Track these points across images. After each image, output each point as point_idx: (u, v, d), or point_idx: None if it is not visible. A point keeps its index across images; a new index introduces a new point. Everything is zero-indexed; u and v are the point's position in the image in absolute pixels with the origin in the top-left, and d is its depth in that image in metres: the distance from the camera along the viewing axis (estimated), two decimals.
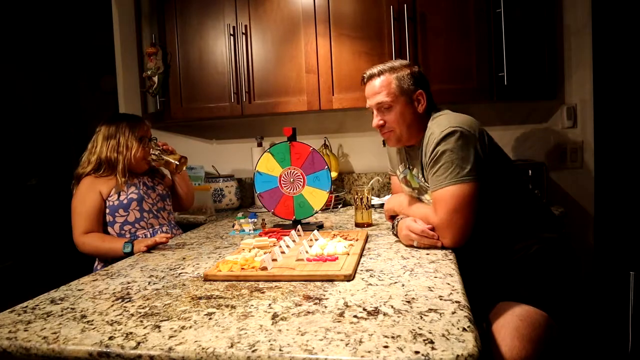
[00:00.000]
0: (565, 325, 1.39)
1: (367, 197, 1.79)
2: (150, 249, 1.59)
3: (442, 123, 1.42)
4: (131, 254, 1.60)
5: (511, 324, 1.28)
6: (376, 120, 1.54)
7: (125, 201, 1.78)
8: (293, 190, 1.79)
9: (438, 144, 1.38)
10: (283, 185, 1.80)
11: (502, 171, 1.47)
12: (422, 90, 1.51)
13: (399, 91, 1.49)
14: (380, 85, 1.50)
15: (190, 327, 0.88)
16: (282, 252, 1.33)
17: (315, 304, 0.98)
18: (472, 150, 1.36)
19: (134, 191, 1.81)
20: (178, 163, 1.89)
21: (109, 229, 1.79)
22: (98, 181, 1.79)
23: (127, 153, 1.80)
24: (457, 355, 0.71)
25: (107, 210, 1.79)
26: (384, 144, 2.43)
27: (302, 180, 1.78)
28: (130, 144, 1.81)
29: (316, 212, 1.80)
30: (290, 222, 1.84)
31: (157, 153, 1.87)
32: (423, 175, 1.52)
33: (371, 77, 1.53)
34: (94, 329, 0.90)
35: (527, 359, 1.22)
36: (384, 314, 0.89)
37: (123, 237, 1.76)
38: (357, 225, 1.83)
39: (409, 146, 1.61)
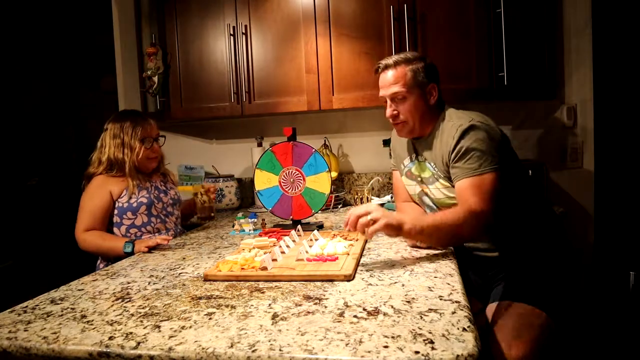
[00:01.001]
0: (565, 324, 1.39)
1: (367, 197, 1.79)
2: (150, 249, 1.59)
3: (461, 117, 1.46)
4: (132, 253, 1.60)
5: (510, 324, 1.28)
6: (389, 111, 1.55)
7: (134, 204, 1.77)
8: (297, 188, 1.79)
9: (464, 135, 1.39)
10: (286, 188, 1.80)
11: (510, 169, 1.47)
12: (434, 83, 1.53)
13: (413, 83, 1.50)
14: (396, 76, 1.51)
15: (190, 327, 0.88)
16: (282, 252, 1.33)
17: (315, 304, 0.98)
18: (496, 141, 1.39)
19: (144, 195, 1.80)
20: (199, 213, 1.97)
21: (115, 230, 1.79)
22: (110, 180, 1.78)
23: (131, 155, 1.79)
24: (457, 355, 0.71)
25: (116, 211, 1.78)
26: (385, 144, 2.44)
27: (300, 175, 1.78)
28: (134, 145, 1.79)
29: (328, 195, 1.79)
30: (291, 222, 1.84)
31: (204, 199, 1.94)
32: (435, 165, 1.52)
33: (387, 67, 1.54)
34: (94, 329, 0.90)
35: (526, 358, 1.22)
36: (384, 314, 0.89)
37: (126, 238, 1.76)
38: None
39: (416, 138, 1.61)
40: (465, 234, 1.33)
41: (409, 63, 1.52)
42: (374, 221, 1.22)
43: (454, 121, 1.45)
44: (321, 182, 1.77)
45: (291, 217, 1.81)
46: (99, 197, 1.75)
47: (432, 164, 1.53)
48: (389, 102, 1.55)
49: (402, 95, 1.51)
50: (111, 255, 1.69)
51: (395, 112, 1.54)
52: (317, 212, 1.81)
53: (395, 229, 1.24)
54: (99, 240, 1.71)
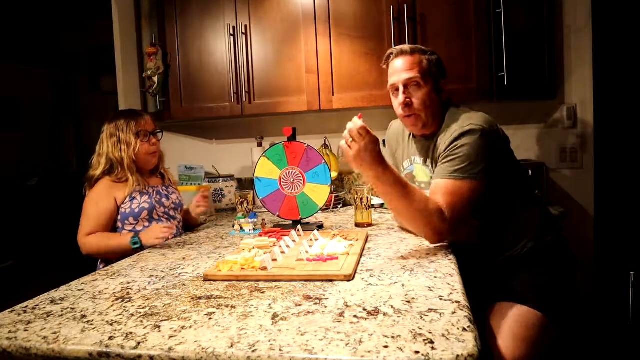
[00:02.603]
0: (564, 325, 1.39)
1: (367, 197, 1.79)
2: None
3: (464, 119, 1.41)
4: (141, 248, 1.61)
5: (506, 325, 1.29)
6: (402, 97, 1.44)
7: (137, 210, 1.76)
8: (294, 190, 1.79)
9: (459, 137, 1.36)
10: (284, 186, 1.80)
11: (507, 171, 1.47)
12: (445, 80, 1.51)
13: (428, 72, 1.45)
14: (412, 62, 1.45)
15: (190, 327, 0.88)
16: (282, 252, 1.33)
17: (315, 304, 0.98)
18: (488, 150, 1.35)
19: (146, 200, 1.79)
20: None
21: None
22: (115, 186, 1.77)
23: (128, 150, 1.78)
24: (457, 355, 0.71)
25: (118, 217, 1.77)
26: (384, 144, 2.44)
27: (301, 179, 1.78)
28: (129, 140, 1.78)
29: (320, 208, 1.79)
30: (291, 222, 1.84)
31: (250, 207, 1.96)
32: (433, 167, 1.51)
33: (402, 53, 1.47)
34: (94, 329, 0.90)
35: (522, 359, 1.23)
36: (384, 314, 0.89)
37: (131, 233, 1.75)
38: (357, 225, 1.82)
39: (420, 137, 1.57)
40: (419, 224, 1.31)
41: (424, 53, 1.47)
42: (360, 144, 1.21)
43: (455, 124, 1.42)
44: (319, 194, 1.77)
45: (278, 213, 1.82)
46: (104, 203, 1.74)
47: (430, 167, 1.52)
48: (401, 88, 1.46)
49: (417, 81, 1.43)
50: (118, 253, 1.68)
51: (408, 100, 1.44)
52: (303, 219, 1.81)
53: (372, 160, 1.22)
54: (103, 240, 1.70)
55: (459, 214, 1.31)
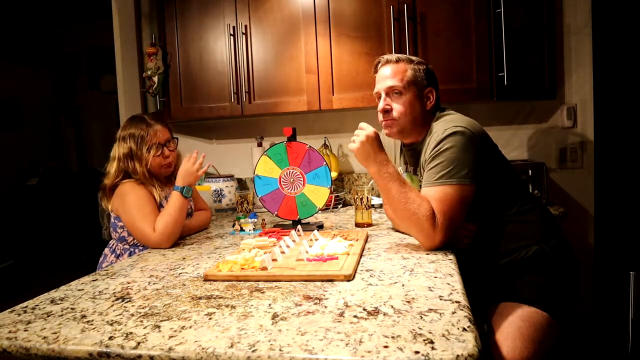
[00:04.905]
0: (567, 325, 1.39)
1: (367, 197, 1.79)
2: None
3: (447, 122, 1.42)
4: (189, 190, 1.70)
5: (513, 325, 1.28)
6: (382, 104, 1.49)
7: None
8: (294, 190, 1.79)
9: (442, 140, 1.36)
10: (283, 186, 1.80)
11: (501, 174, 1.46)
12: (433, 88, 1.51)
13: (412, 80, 1.48)
14: (396, 70, 1.48)
15: (190, 327, 0.88)
16: (282, 252, 1.33)
17: (315, 304, 0.98)
18: (474, 152, 1.34)
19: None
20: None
21: (117, 230, 1.74)
22: (143, 186, 1.72)
23: (141, 166, 1.72)
24: (457, 355, 0.71)
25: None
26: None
27: (302, 179, 1.78)
28: (141, 155, 1.72)
29: (319, 210, 1.80)
30: (291, 222, 1.84)
31: (249, 207, 1.99)
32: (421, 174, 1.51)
33: (388, 62, 1.51)
34: (94, 329, 0.90)
35: (529, 359, 1.22)
36: (384, 314, 0.89)
37: (124, 242, 1.74)
38: (357, 225, 1.83)
39: (409, 146, 1.60)
40: (413, 229, 1.33)
41: (410, 62, 1.50)
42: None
43: (439, 127, 1.42)
44: (319, 195, 1.77)
45: (276, 213, 1.82)
46: (145, 196, 1.69)
47: (419, 176, 1.52)
48: (383, 95, 1.51)
49: (398, 89, 1.47)
50: (184, 216, 1.69)
51: (388, 106, 1.49)
52: (301, 219, 1.81)
53: (372, 152, 1.35)
54: (166, 219, 1.63)
55: (451, 221, 1.30)
